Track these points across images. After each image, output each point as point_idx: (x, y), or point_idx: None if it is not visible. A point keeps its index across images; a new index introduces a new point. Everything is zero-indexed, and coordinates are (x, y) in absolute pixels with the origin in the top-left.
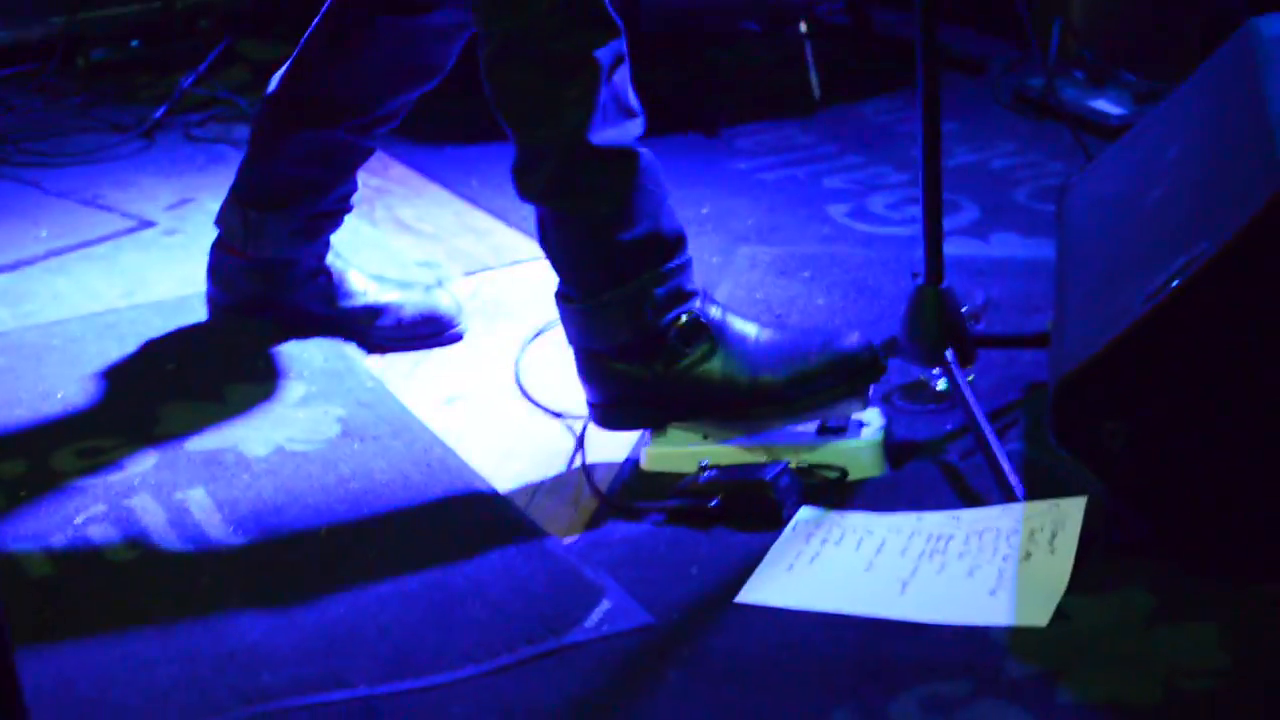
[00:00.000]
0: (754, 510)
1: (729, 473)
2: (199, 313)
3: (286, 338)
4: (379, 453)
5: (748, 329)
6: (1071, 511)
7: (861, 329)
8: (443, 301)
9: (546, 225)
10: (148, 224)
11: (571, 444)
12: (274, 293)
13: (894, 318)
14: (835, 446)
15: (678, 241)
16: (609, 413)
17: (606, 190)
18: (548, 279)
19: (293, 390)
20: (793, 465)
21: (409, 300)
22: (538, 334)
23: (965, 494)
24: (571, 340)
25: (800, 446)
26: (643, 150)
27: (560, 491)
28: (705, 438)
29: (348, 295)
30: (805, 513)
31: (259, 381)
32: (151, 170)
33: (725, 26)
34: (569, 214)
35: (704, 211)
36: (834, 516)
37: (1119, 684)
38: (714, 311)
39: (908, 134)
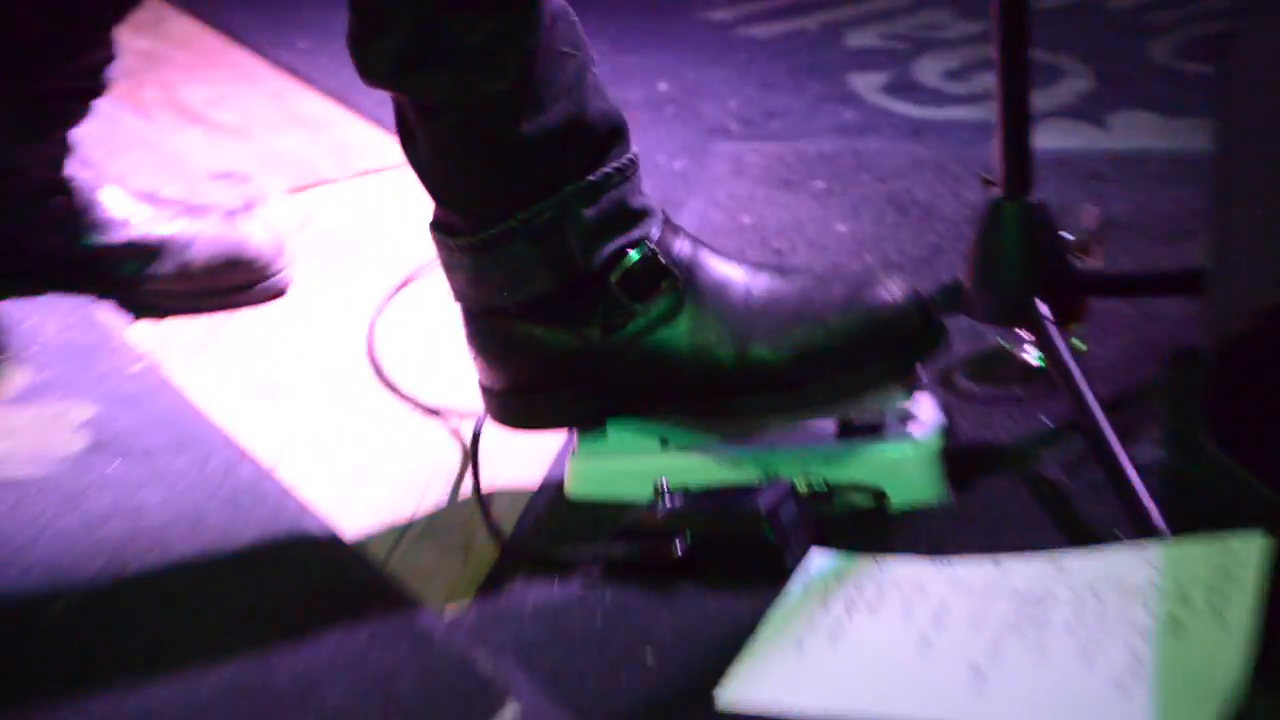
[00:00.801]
0: (741, 557)
1: (702, 499)
2: None
3: (2, 293)
4: (152, 477)
5: (732, 273)
6: (1246, 556)
7: (906, 271)
8: (253, 235)
9: (409, 121)
10: None
11: (457, 457)
12: None
13: (956, 251)
14: (867, 455)
15: (614, 133)
16: (515, 404)
17: (492, 59)
18: (421, 196)
19: (11, 378)
20: (800, 486)
21: (200, 233)
22: (403, 284)
23: (1072, 528)
24: (457, 294)
25: (812, 455)
26: None
27: (440, 534)
28: (665, 444)
29: (101, 226)
30: (821, 560)
31: None
32: None
33: None
34: (439, 100)
35: (661, 89)
36: (866, 566)
37: None
38: (680, 245)
39: None
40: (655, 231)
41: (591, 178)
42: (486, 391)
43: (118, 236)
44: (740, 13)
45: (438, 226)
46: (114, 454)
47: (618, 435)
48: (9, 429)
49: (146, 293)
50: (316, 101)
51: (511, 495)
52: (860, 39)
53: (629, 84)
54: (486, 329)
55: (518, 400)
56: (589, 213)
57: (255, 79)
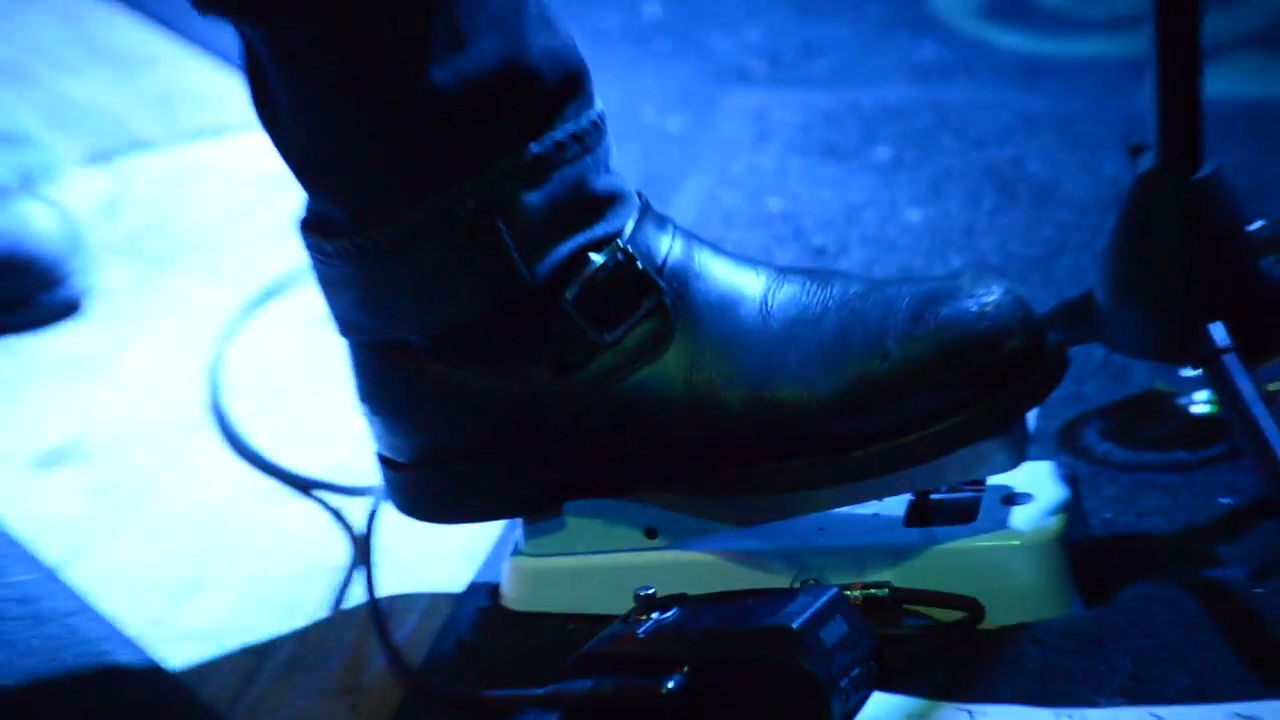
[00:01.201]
0: (764, 700)
1: (705, 613)
2: None
3: None
4: None
5: (744, 281)
6: None
7: (1011, 278)
8: (34, 224)
9: (263, 66)
10: None
11: (343, 552)
12: None
13: (1088, 250)
14: (951, 549)
15: (568, 83)
16: (427, 485)
17: None
18: (285, 172)
19: None
20: (853, 596)
21: None
22: (263, 299)
23: (1264, 658)
24: (342, 325)
25: (870, 550)
26: None
27: (315, 665)
28: (651, 535)
29: None
30: (884, 706)
31: None
32: None
33: None
34: (306, 33)
35: (649, 11)
36: (951, 716)
37: None
38: (668, 245)
39: None
40: (629, 226)
41: (535, 148)
42: (388, 466)
43: None
44: None
45: (309, 226)
46: None
47: (581, 523)
48: None
49: None
50: (131, 27)
51: (424, 607)
52: None
53: (602, 4)
54: (385, 375)
55: (431, 479)
56: (532, 199)
57: None
